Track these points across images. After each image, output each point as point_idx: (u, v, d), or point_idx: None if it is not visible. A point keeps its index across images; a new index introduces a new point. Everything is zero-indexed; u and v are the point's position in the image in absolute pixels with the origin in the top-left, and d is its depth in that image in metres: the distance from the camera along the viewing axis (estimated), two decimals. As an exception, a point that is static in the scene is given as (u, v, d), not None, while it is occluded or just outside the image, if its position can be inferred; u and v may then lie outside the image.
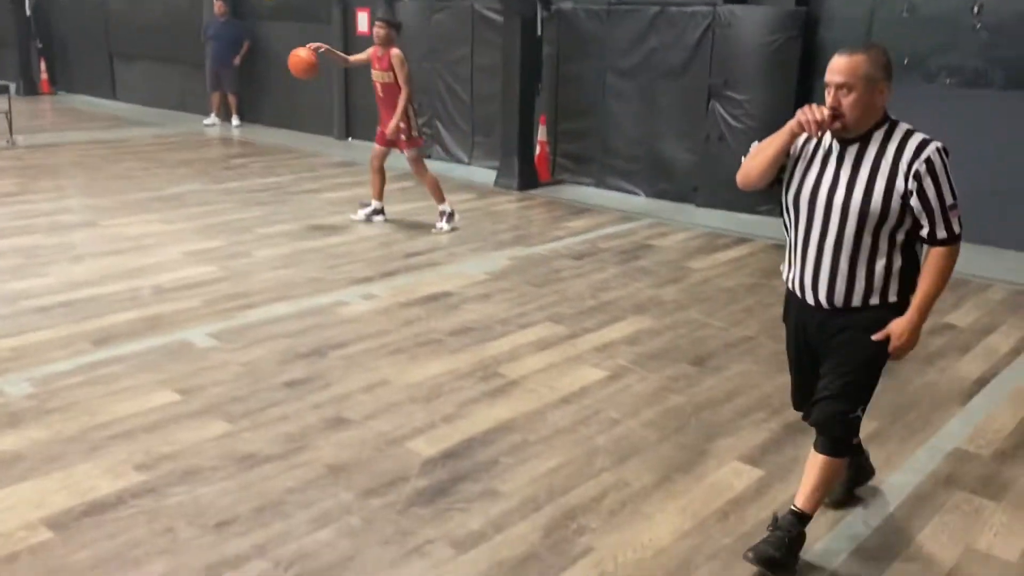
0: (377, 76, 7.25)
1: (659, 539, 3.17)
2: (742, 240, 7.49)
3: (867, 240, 2.74)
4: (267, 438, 3.81)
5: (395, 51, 7.17)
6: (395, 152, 7.48)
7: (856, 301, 2.81)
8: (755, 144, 2.94)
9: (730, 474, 3.64)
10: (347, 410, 4.11)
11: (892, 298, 2.81)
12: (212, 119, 13.39)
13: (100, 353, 4.68)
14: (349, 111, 11.95)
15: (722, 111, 8.30)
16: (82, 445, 3.69)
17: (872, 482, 3.53)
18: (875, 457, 3.58)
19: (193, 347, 4.81)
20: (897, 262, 2.78)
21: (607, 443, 3.87)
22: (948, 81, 7.32)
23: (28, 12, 16.62)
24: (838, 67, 2.68)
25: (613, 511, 3.34)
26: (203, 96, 13.70)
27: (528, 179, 9.47)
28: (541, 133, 9.69)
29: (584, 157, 9.65)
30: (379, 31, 7.20)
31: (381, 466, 3.61)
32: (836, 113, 2.68)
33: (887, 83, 2.70)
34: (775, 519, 3.02)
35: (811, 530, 3.04)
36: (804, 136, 2.82)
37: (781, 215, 2.98)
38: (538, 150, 9.67)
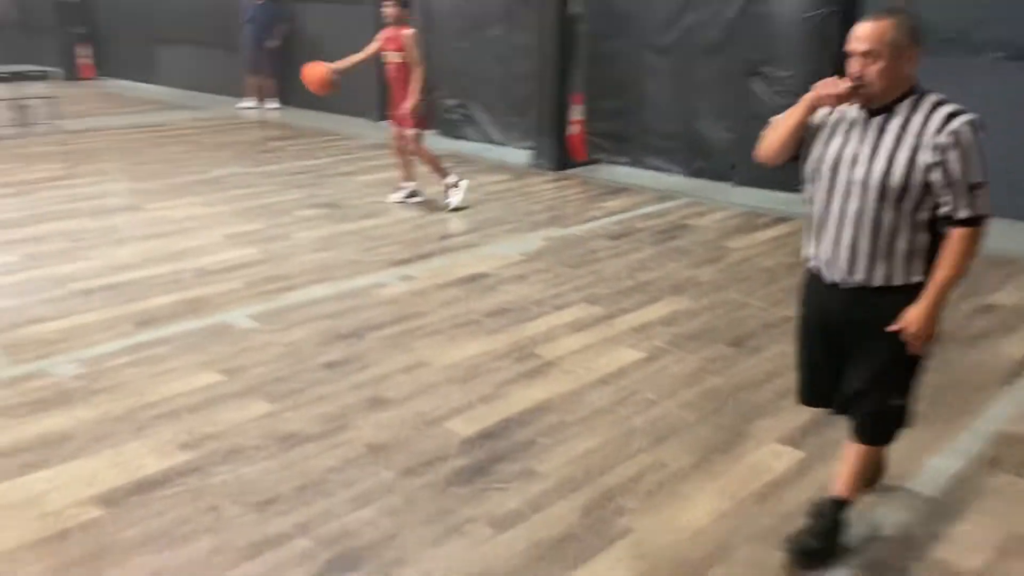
0: (391, 56, 7.28)
1: (697, 520, 3.17)
2: (781, 219, 7.40)
3: (889, 215, 2.59)
4: (308, 418, 3.87)
5: (408, 31, 7.20)
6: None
7: (878, 280, 2.67)
8: (776, 118, 2.85)
9: (769, 455, 3.63)
10: (386, 390, 4.15)
11: (916, 277, 2.65)
12: (250, 102, 13.50)
13: (145, 335, 4.77)
14: (385, 93, 11.95)
15: (761, 88, 8.18)
16: (129, 425, 3.78)
17: (913, 464, 3.49)
18: (916, 439, 3.53)
19: (235, 328, 4.88)
20: (922, 240, 2.61)
21: (644, 424, 3.87)
22: (996, 55, 7.14)
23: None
24: (863, 34, 2.53)
25: (651, 492, 3.35)
26: (241, 79, 13.82)
27: (563, 159, 9.43)
28: (576, 112, 9.63)
29: (620, 136, 9.57)
30: (390, 10, 7.24)
31: (420, 446, 3.65)
32: (860, 83, 2.55)
33: (915, 50, 2.55)
34: (814, 505, 2.99)
35: (850, 513, 3.02)
36: (827, 108, 2.71)
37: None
38: (573, 129, 9.63)
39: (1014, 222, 6.30)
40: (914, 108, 2.58)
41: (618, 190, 8.53)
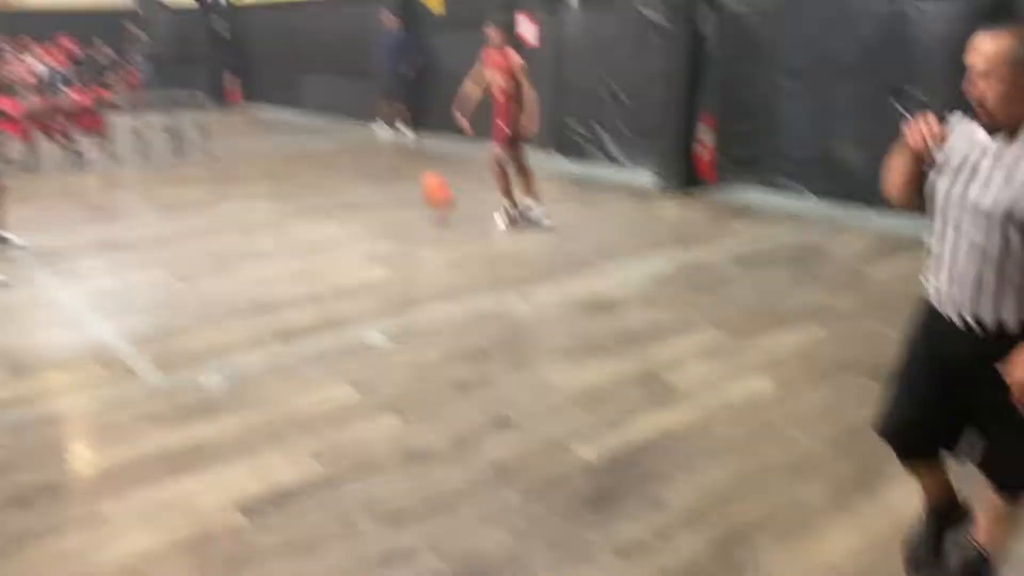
0: (496, 79, 7.43)
1: (831, 558, 3.04)
2: (923, 244, 7.04)
3: (1015, 248, 2.34)
4: (436, 435, 3.95)
5: (517, 59, 7.40)
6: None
7: (1011, 322, 2.40)
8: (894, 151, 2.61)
9: (909, 494, 3.43)
10: (512, 411, 4.19)
11: None
12: (385, 128, 13.97)
13: (284, 349, 4.99)
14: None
15: (903, 110, 7.84)
16: (269, 435, 3.95)
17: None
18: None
19: (368, 345, 5.04)
20: None
21: (777, 456, 3.75)
22: None
23: (227, 36, 18.29)
24: (981, 49, 2.31)
25: (783, 528, 3.23)
26: (376, 105, 14.34)
27: (690, 181, 9.31)
28: (705, 134, 9.50)
29: (751, 158, 9.36)
30: (493, 33, 7.42)
31: (546, 469, 3.66)
32: (981, 105, 2.32)
33: None
34: (957, 544, 2.81)
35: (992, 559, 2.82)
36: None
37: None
38: (702, 151, 9.49)
39: None
40: None
41: (748, 213, 8.34)
